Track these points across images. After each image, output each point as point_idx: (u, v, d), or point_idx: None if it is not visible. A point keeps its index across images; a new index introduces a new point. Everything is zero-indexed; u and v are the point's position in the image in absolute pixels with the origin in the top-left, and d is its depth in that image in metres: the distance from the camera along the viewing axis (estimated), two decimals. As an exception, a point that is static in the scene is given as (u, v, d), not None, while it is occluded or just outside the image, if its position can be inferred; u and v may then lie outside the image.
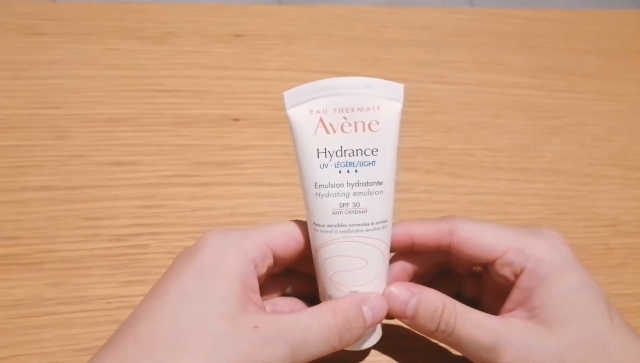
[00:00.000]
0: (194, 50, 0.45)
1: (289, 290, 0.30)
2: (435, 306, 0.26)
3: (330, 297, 0.27)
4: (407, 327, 0.31)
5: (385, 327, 0.31)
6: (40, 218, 0.34)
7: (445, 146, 0.41)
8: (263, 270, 0.26)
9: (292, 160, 0.27)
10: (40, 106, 0.40)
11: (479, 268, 0.30)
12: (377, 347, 0.31)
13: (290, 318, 0.24)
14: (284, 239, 0.27)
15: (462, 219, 0.28)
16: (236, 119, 0.41)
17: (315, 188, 0.25)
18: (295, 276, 0.30)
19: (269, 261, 0.27)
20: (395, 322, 0.32)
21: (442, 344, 0.31)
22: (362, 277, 0.26)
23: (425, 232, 0.28)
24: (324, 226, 0.26)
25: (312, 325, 0.24)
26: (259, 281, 0.26)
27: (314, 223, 0.26)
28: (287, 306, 0.30)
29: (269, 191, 0.37)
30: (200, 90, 0.42)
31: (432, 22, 0.51)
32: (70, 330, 0.30)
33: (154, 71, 0.43)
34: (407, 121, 0.42)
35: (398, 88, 0.25)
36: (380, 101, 0.25)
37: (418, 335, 0.31)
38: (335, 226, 0.26)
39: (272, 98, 0.42)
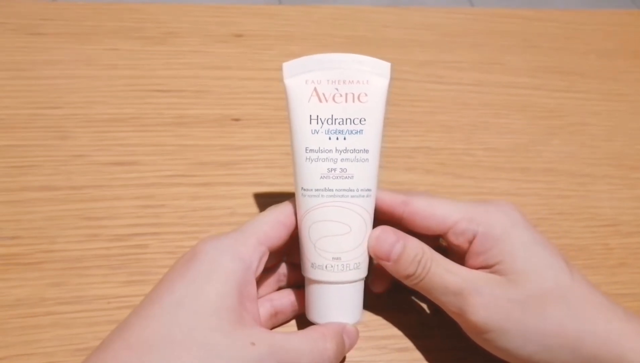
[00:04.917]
0: (194, 50, 0.45)
1: (283, 282, 0.31)
2: (416, 252, 0.27)
3: (312, 265, 0.28)
4: (406, 327, 0.31)
5: (384, 327, 0.31)
6: (41, 218, 0.34)
7: (445, 146, 0.41)
8: (260, 269, 0.27)
9: (292, 160, 0.27)
10: (40, 106, 0.40)
11: (444, 243, 0.31)
12: (376, 346, 0.31)
13: (284, 338, 0.25)
14: (274, 229, 0.27)
15: (418, 193, 0.29)
16: (236, 119, 0.41)
17: (306, 152, 0.27)
18: (288, 267, 0.31)
19: (265, 258, 0.27)
20: (395, 324, 0.32)
21: (441, 344, 0.31)
22: (346, 244, 0.27)
23: (381, 198, 0.29)
24: (311, 190, 0.27)
25: (304, 349, 0.25)
26: (256, 279, 0.27)
27: (302, 188, 0.27)
28: (286, 300, 0.30)
29: (269, 191, 0.37)
30: (200, 90, 0.42)
31: (432, 22, 0.51)
32: (70, 330, 0.30)
33: (154, 71, 0.43)
34: (407, 121, 0.42)
35: (386, 65, 0.27)
36: (369, 75, 0.27)
37: (418, 335, 0.31)
38: (322, 190, 0.27)
39: (272, 98, 0.42)
